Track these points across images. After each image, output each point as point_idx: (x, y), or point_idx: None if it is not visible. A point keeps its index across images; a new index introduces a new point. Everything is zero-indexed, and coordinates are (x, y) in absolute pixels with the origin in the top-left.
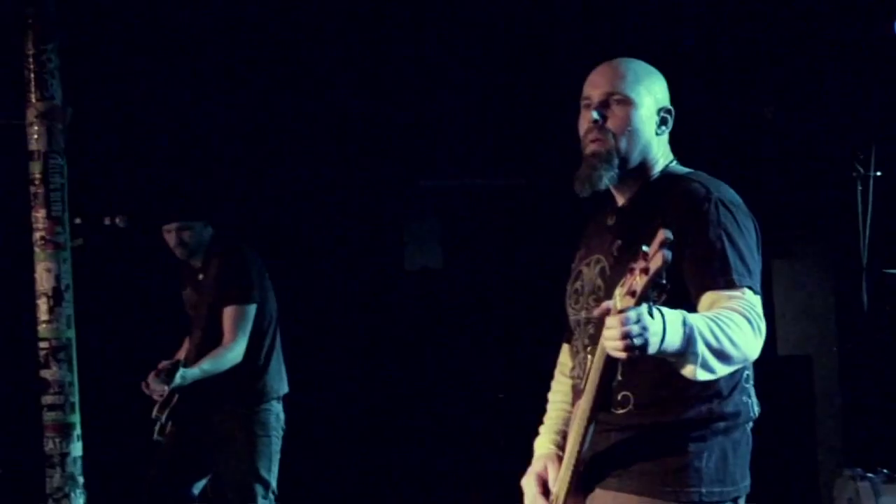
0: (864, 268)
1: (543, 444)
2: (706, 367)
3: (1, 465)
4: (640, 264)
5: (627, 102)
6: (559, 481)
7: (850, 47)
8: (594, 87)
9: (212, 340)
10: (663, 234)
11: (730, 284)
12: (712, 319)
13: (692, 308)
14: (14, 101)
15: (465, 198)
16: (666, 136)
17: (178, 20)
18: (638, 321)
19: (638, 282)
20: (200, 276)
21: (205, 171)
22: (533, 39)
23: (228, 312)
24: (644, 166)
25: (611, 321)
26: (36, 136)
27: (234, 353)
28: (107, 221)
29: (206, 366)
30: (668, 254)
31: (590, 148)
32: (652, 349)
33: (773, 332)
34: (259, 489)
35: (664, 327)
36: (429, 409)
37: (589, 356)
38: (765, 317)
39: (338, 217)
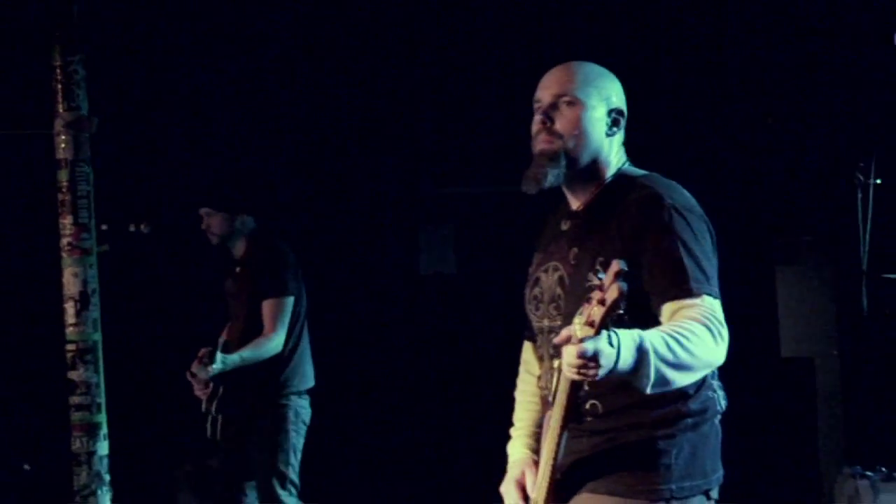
0: (865, 272)
1: (518, 448)
2: (660, 382)
3: (30, 464)
4: (597, 295)
5: (576, 104)
6: (537, 488)
7: (851, 60)
8: (544, 89)
9: (250, 330)
10: (617, 265)
11: (689, 293)
12: (671, 335)
13: (652, 316)
14: (42, 112)
15: (478, 204)
16: (619, 138)
17: (196, 31)
18: (594, 354)
19: (596, 312)
20: (238, 269)
21: (229, 175)
22: (545, 52)
23: (268, 305)
24: (596, 168)
25: (569, 350)
26: (63, 145)
27: (273, 343)
28: (132, 228)
29: (247, 353)
30: (624, 285)
31: (538, 147)
32: (603, 374)
33: (777, 334)
34: (276, 482)
35: (618, 354)
36: (442, 406)
37: (555, 370)
38: (767, 319)
39: (355, 222)
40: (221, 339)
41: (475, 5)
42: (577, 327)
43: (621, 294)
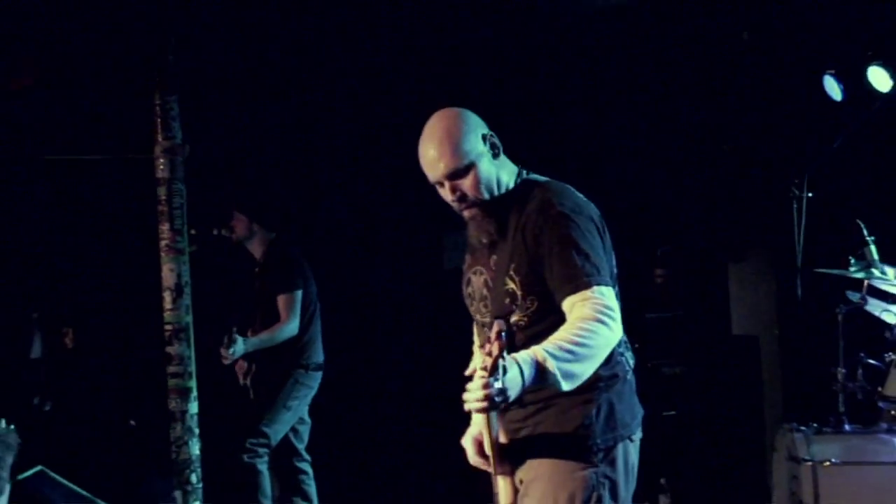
0: (799, 268)
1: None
2: (569, 377)
3: (135, 420)
4: (487, 348)
5: (464, 171)
6: (487, 450)
7: (787, 97)
8: (431, 172)
9: (270, 319)
10: (498, 325)
11: (581, 286)
12: (568, 339)
13: (558, 307)
14: (145, 141)
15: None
16: (502, 155)
17: (261, 81)
18: (500, 392)
19: (488, 360)
20: (257, 269)
21: (285, 191)
22: (551, 74)
23: (281, 299)
24: (504, 190)
25: (473, 385)
26: (161, 167)
27: (288, 328)
28: (215, 232)
29: (265, 336)
30: (504, 341)
31: (466, 216)
32: (514, 397)
33: (729, 317)
34: (249, 440)
35: (522, 377)
36: (462, 380)
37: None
38: (721, 304)
39: (389, 226)
40: (234, 328)
41: (489, 29)
42: (478, 370)
43: (502, 349)
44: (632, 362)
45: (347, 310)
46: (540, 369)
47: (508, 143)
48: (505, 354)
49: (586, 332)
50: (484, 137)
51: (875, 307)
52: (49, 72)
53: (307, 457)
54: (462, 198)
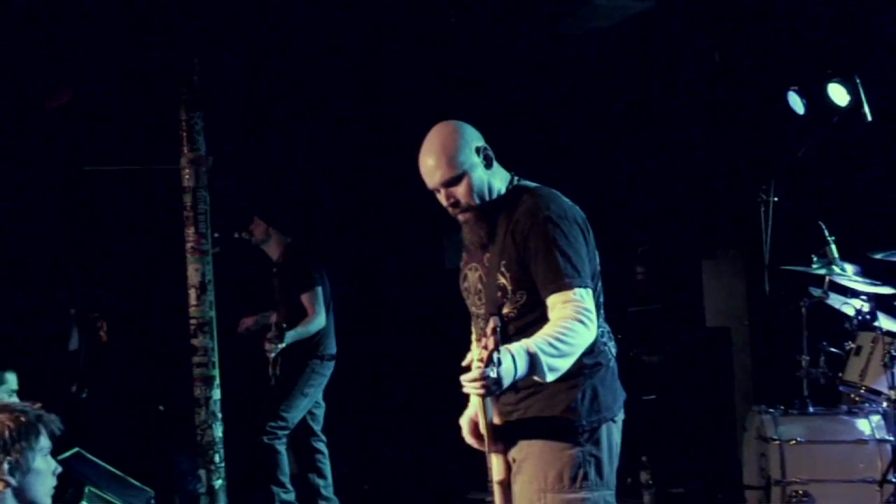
0: (767, 265)
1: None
2: (552, 370)
3: (164, 406)
4: (483, 341)
5: (457, 180)
6: (483, 430)
7: (755, 111)
8: (429, 180)
9: (291, 316)
10: (494, 322)
11: (562, 287)
12: (551, 335)
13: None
14: (172, 152)
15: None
16: (495, 164)
17: (281, 94)
18: (496, 380)
19: (484, 353)
20: (274, 270)
21: (299, 199)
22: (539, 83)
23: (305, 297)
24: (493, 195)
25: (471, 375)
26: (187, 176)
27: (317, 321)
28: (235, 235)
29: (300, 329)
30: (499, 336)
31: (461, 218)
32: (506, 384)
33: (703, 310)
34: (269, 423)
35: (515, 367)
36: (462, 372)
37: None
38: (696, 298)
39: (394, 228)
40: (273, 321)
41: (493, 37)
42: (475, 360)
43: (496, 343)
44: (614, 351)
45: (354, 306)
46: (531, 361)
47: (499, 149)
48: (500, 347)
49: (568, 330)
50: (478, 150)
51: (835, 301)
52: (84, 91)
53: (323, 437)
54: (456, 203)
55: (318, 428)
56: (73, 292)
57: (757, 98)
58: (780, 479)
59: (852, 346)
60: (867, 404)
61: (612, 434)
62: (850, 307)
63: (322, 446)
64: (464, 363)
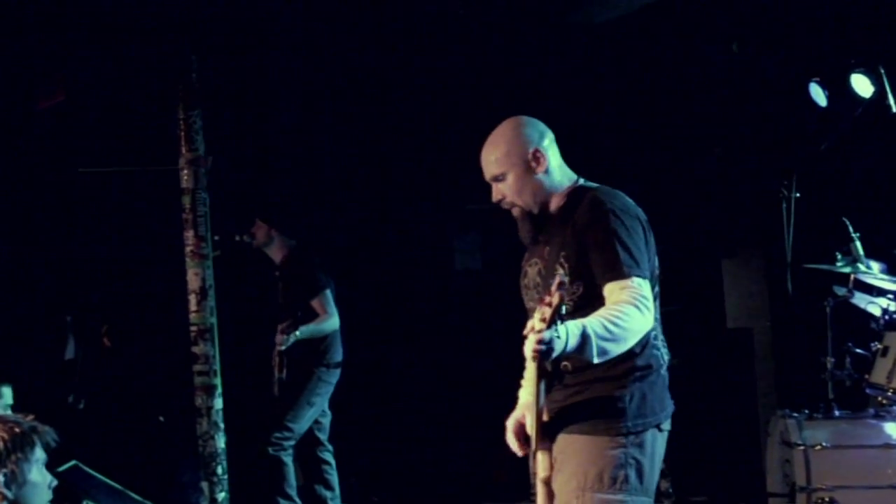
0: (789, 263)
1: (524, 394)
2: (602, 353)
3: (164, 416)
4: (546, 299)
5: (503, 178)
6: (530, 427)
7: (777, 106)
8: (484, 173)
9: (294, 320)
10: (559, 277)
11: (621, 276)
12: (606, 318)
13: (601, 294)
14: (169, 153)
15: (499, 217)
16: (554, 164)
17: (283, 92)
18: (548, 342)
19: (546, 311)
20: (277, 273)
21: (302, 197)
22: (552, 76)
23: (316, 301)
24: (547, 199)
25: (529, 339)
26: (186, 178)
27: (331, 321)
28: (237, 238)
29: (312, 327)
30: (564, 292)
31: (513, 212)
32: (556, 354)
33: (724, 311)
34: (275, 433)
35: (566, 340)
36: (471, 375)
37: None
38: (716, 299)
39: (405, 231)
40: (299, 313)
41: (500, 30)
42: (536, 321)
43: (562, 299)
44: (666, 358)
45: (361, 311)
46: (584, 339)
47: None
48: (563, 305)
49: (623, 314)
50: (527, 152)
51: (861, 300)
52: (78, 90)
53: (329, 447)
54: (502, 198)
55: (324, 437)
56: (69, 299)
57: (777, 90)
58: (806, 486)
59: (879, 346)
60: (895, 407)
61: (657, 442)
62: (876, 306)
63: (329, 456)
64: (525, 332)
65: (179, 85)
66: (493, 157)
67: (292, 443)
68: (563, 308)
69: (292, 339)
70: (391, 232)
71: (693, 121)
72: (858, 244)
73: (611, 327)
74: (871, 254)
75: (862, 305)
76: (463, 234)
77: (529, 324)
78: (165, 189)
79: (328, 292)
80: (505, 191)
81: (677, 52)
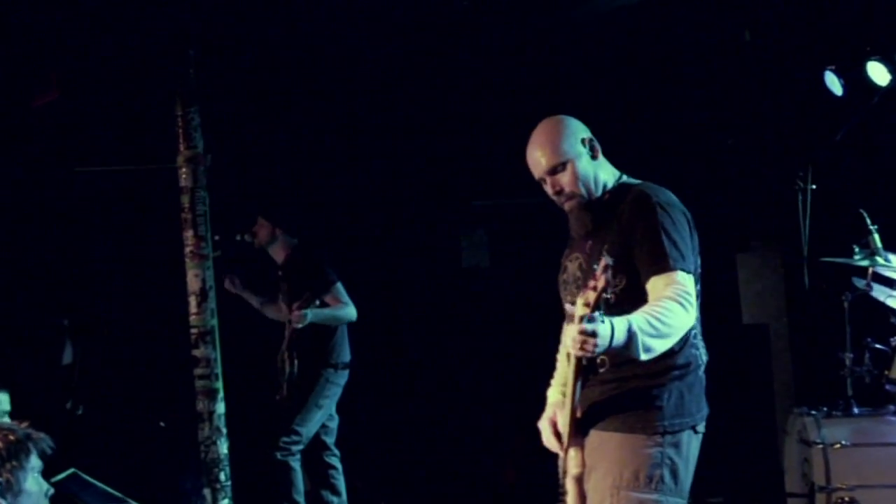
0: (805, 257)
1: (553, 393)
2: (647, 350)
3: (165, 422)
4: (591, 283)
5: (563, 167)
6: (563, 426)
7: (791, 96)
8: (535, 170)
9: (305, 300)
10: (605, 261)
11: (666, 268)
12: (652, 314)
13: (643, 287)
14: (167, 150)
15: (506, 213)
16: (601, 157)
17: (284, 87)
18: (592, 332)
19: (591, 296)
20: (280, 272)
21: (305, 194)
22: (566, 79)
23: (331, 296)
24: (602, 187)
25: (572, 328)
26: (184, 176)
27: (348, 310)
28: (238, 238)
29: (327, 312)
30: (610, 275)
31: (566, 206)
32: (600, 350)
33: (739, 306)
34: (283, 438)
35: (612, 335)
36: (479, 370)
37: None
38: (731, 294)
39: (413, 228)
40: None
41: (509, 39)
42: (579, 306)
43: (607, 283)
44: (704, 358)
45: (367, 310)
46: (630, 335)
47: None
48: (609, 290)
49: (667, 311)
50: (584, 140)
51: (880, 293)
52: (73, 86)
53: (336, 451)
54: (560, 191)
55: (331, 441)
56: (66, 302)
57: (791, 79)
58: (825, 486)
59: None
60: None
61: (692, 444)
62: (895, 300)
63: (336, 461)
64: (567, 323)
65: (177, 81)
66: (549, 148)
67: (300, 447)
68: (609, 293)
69: (310, 315)
70: (397, 229)
71: (704, 111)
72: (876, 236)
73: (655, 323)
74: (889, 246)
75: (881, 299)
76: (470, 230)
77: (570, 309)
78: (164, 188)
79: (340, 285)
80: (564, 182)
81: (688, 40)
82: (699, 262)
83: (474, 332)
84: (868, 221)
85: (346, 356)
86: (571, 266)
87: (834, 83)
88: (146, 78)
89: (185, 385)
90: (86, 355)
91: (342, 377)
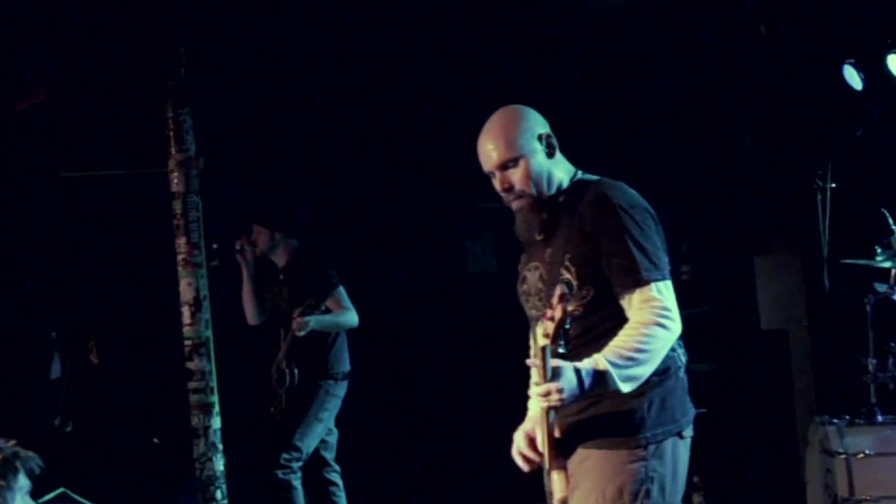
0: (825, 259)
1: (533, 407)
2: (629, 381)
3: (158, 437)
4: (549, 313)
5: (515, 163)
6: (541, 445)
7: (809, 94)
8: (485, 163)
9: (307, 306)
10: (560, 289)
11: (639, 282)
12: (626, 344)
13: (613, 296)
14: (157, 154)
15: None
16: (559, 155)
17: (282, 86)
18: (559, 391)
19: (549, 326)
20: (281, 276)
21: (305, 201)
22: (578, 79)
23: (333, 300)
24: (559, 189)
25: (540, 389)
26: (176, 181)
27: (350, 315)
28: (238, 247)
29: (330, 318)
30: (567, 305)
31: (514, 205)
32: (569, 402)
33: (757, 311)
34: (283, 455)
35: (580, 382)
36: (486, 374)
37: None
38: (749, 299)
39: (418, 232)
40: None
41: (515, 34)
42: (539, 337)
43: (565, 313)
44: (684, 359)
45: (370, 317)
46: (599, 378)
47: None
48: (568, 319)
49: (646, 336)
50: (540, 136)
51: None
52: (59, 87)
53: (337, 467)
54: (510, 189)
55: (331, 457)
56: (53, 313)
57: (809, 73)
58: (848, 497)
59: None
60: None
61: (679, 451)
62: None
63: (336, 477)
64: (528, 362)
65: (167, 81)
66: (502, 141)
67: (300, 463)
68: (568, 323)
69: (312, 322)
70: (401, 234)
71: (719, 108)
72: None
73: (633, 354)
74: None
75: None
76: (476, 235)
77: (530, 362)
78: (154, 193)
79: (342, 289)
80: (514, 179)
81: (701, 35)
82: (667, 258)
83: (481, 340)
84: (890, 221)
85: (346, 366)
86: (531, 276)
87: (853, 77)
88: (134, 77)
89: (179, 400)
90: (75, 369)
91: (342, 388)
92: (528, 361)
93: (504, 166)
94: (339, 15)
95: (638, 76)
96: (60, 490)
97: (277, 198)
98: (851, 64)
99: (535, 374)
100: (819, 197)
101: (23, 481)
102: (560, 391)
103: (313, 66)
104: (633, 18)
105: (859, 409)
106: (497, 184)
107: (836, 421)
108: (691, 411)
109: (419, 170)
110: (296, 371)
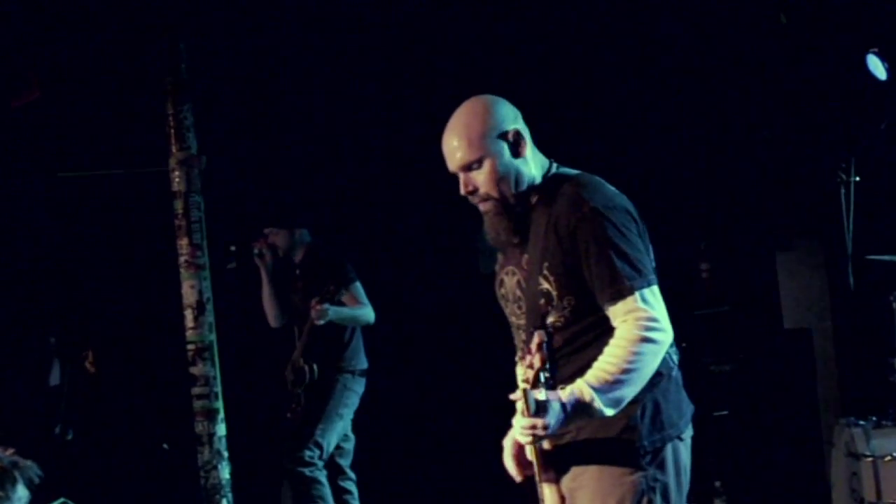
0: (850, 255)
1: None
2: (616, 404)
3: (160, 444)
4: (528, 359)
5: (478, 164)
6: (530, 455)
7: (833, 85)
8: (448, 163)
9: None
10: (539, 336)
11: (623, 293)
12: (609, 366)
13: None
14: (158, 152)
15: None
16: (528, 150)
17: (286, 82)
18: (544, 427)
19: (529, 373)
20: (298, 272)
21: (312, 200)
22: (588, 55)
23: (349, 295)
24: (529, 190)
25: (521, 422)
26: (177, 180)
27: (366, 311)
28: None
29: (348, 311)
30: (545, 353)
31: (481, 208)
32: (555, 432)
33: (780, 310)
34: (306, 452)
35: (565, 414)
36: (500, 390)
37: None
38: (770, 297)
39: (429, 232)
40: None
41: (522, 29)
42: (519, 378)
43: (544, 360)
44: (676, 358)
45: (379, 318)
46: (582, 405)
47: (538, 132)
48: (547, 366)
49: (632, 355)
50: (506, 134)
51: None
52: (56, 84)
53: (352, 475)
54: (474, 191)
55: (346, 464)
56: (52, 318)
57: (831, 63)
58: (876, 501)
59: None
60: None
61: (679, 454)
62: None
63: (351, 486)
64: (511, 396)
65: (168, 77)
66: (465, 141)
67: (323, 462)
68: (547, 371)
69: (331, 311)
70: (410, 234)
71: (738, 100)
72: None
73: (618, 376)
74: None
75: None
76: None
77: (518, 391)
78: (155, 193)
79: (359, 284)
80: (478, 181)
81: (719, 24)
82: (652, 254)
83: (493, 342)
84: None
85: (364, 363)
86: (509, 281)
87: (877, 67)
88: (134, 74)
89: (182, 406)
90: (75, 376)
91: (360, 384)
92: (512, 396)
93: (468, 167)
94: (343, 9)
95: (656, 69)
96: (61, 500)
97: (284, 196)
98: (875, 53)
99: (519, 405)
100: (843, 191)
101: (22, 492)
102: (545, 427)
103: (317, 61)
104: (652, 9)
105: (886, 410)
106: (461, 186)
107: (862, 422)
108: (689, 410)
109: (428, 167)
110: (315, 367)
